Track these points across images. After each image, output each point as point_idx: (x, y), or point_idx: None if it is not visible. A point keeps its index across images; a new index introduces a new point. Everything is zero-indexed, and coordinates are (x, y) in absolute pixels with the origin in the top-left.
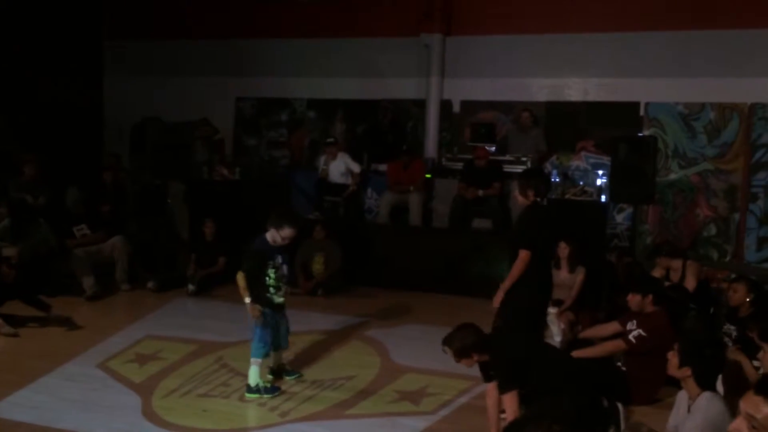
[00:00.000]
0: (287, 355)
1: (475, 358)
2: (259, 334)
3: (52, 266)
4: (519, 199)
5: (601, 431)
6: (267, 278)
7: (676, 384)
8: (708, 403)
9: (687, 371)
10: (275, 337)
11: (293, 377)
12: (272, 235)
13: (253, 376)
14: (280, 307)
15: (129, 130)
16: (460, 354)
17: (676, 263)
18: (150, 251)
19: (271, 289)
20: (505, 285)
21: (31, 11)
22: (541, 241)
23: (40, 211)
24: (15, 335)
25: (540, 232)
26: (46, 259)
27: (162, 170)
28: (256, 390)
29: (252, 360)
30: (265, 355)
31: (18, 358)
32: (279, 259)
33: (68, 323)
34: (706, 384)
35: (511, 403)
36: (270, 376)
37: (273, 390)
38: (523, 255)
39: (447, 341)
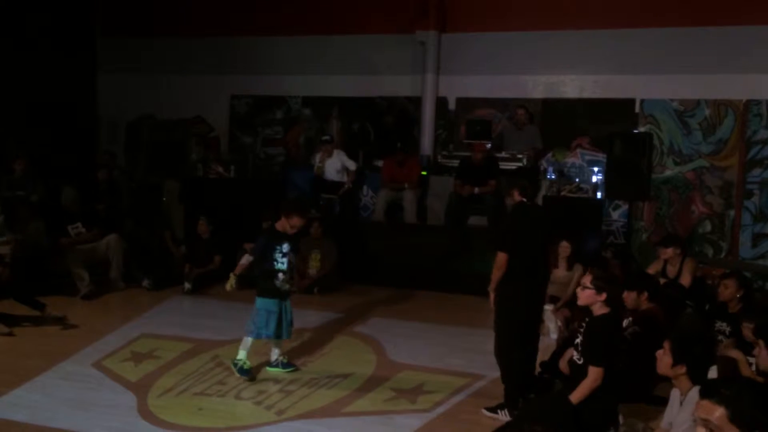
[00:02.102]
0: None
1: (603, 298)
2: (256, 318)
3: (47, 265)
4: (507, 200)
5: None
6: (275, 262)
7: (671, 381)
8: None
9: (681, 369)
10: (278, 327)
11: (290, 370)
12: (282, 224)
13: (242, 352)
14: (285, 295)
15: (123, 127)
16: (596, 282)
17: (673, 254)
18: (145, 249)
19: (280, 275)
20: (491, 287)
21: (25, 8)
22: (526, 240)
23: (34, 209)
24: (10, 334)
25: (520, 232)
26: (38, 258)
27: (157, 168)
28: (276, 364)
29: (245, 339)
30: (257, 337)
31: (13, 357)
32: (286, 246)
33: (63, 322)
34: (697, 379)
35: (596, 377)
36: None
37: (290, 365)
38: (499, 257)
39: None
